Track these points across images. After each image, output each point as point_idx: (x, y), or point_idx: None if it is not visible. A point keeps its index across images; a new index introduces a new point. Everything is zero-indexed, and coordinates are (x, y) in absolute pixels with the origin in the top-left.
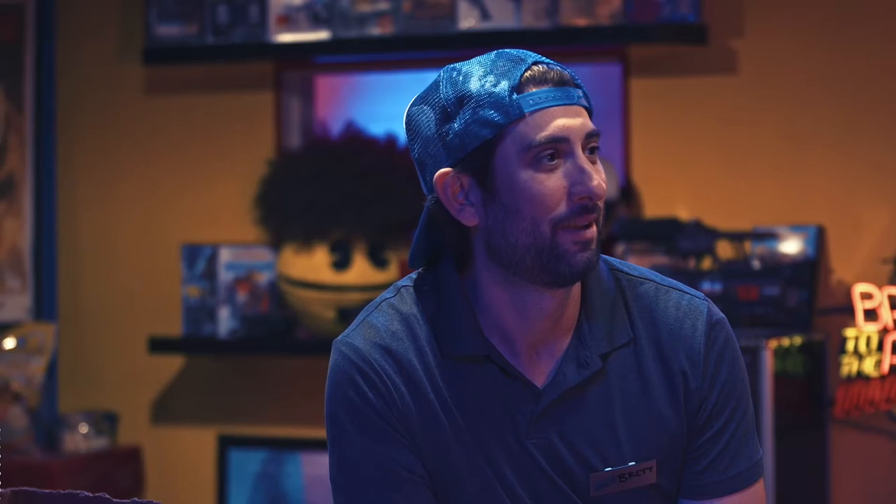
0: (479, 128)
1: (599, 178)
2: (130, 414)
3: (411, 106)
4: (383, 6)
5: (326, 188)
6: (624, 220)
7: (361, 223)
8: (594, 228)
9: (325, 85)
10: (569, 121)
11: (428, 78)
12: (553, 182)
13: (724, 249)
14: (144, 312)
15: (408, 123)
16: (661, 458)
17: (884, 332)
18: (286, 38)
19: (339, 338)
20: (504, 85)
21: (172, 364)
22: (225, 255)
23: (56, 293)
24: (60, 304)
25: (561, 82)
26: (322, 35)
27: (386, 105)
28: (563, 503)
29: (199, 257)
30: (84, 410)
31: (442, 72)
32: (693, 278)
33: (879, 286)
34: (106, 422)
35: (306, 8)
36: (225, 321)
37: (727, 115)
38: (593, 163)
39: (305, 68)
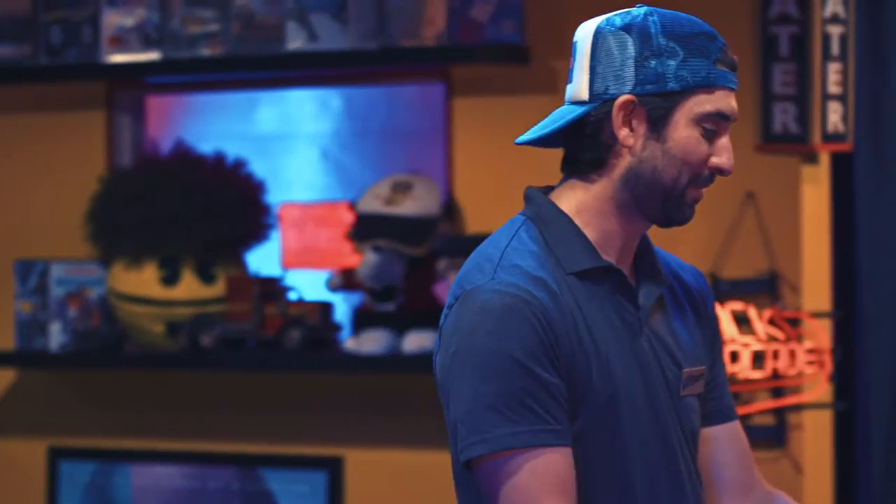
0: (679, 79)
1: (732, 158)
2: None
3: (601, 25)
4: (213, 28)
5: (156, 205)
6: (446, 236)
7: (190, 240)
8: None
9: (156, 104)
10: (734, 104)
11: (257, 98)
12: (706, 148)
13: None
14: None
15: (597, 36)
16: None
17: None
18: (118, 58)
19: (480, 283)
20: (709, 53)
21: (4, 378)
22: (56, 271)
23: None
24: None
25: (734, 69)
26: (153, 56)
27: (215, 124)
28: (666, 406)
29: (31, 273)
30: None
31: (642, 13)
32: None
33: None
34: None
35: (137, 29)
36: (56, 335)
37: None
38: None
39: (136, 88)
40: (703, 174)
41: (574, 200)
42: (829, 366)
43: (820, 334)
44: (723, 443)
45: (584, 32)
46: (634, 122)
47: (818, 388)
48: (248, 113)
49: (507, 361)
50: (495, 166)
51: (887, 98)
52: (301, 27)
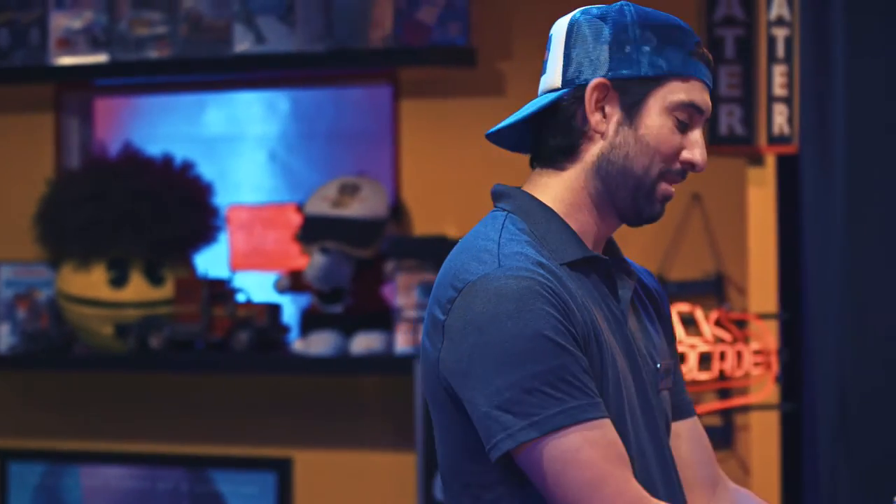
0: (654, 64)
1: (705, 155)
2: None
3: (577, 16)
4: (160, 30)
5: (104, 207)
6: (393, 238)
7: (138, 242)
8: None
9: (104, 107)
10: (708, 99)
11: (206, 99)
12: (678, 140)
13: None
14: None
15: (572, 26)
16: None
17: None
18: (66, 60)
19: (488, 271)
20: (684, 43)
21: None
22: (5, 273)
23: None
24: None
25: (709, 65)
26: (101, 58)
27: (163, 126)
28: (652, 398)
29: None
30: None
31: (618, 5)
32: None
33: None
34: None
35: (85, 31)
36: (5, 337)
37: None
38: None
39: (85, 90)
40: (674, 168)
41: (550, 193)
42: (775, 367)
43: (766, 335)
44: (685, 440)
45: (560, 25)
46: (607, 108)
47: (765, 390)
48: (195, 115)
49: (539, 341)
50: (442, 168)
51: (832, 100)
52: (248, 30)
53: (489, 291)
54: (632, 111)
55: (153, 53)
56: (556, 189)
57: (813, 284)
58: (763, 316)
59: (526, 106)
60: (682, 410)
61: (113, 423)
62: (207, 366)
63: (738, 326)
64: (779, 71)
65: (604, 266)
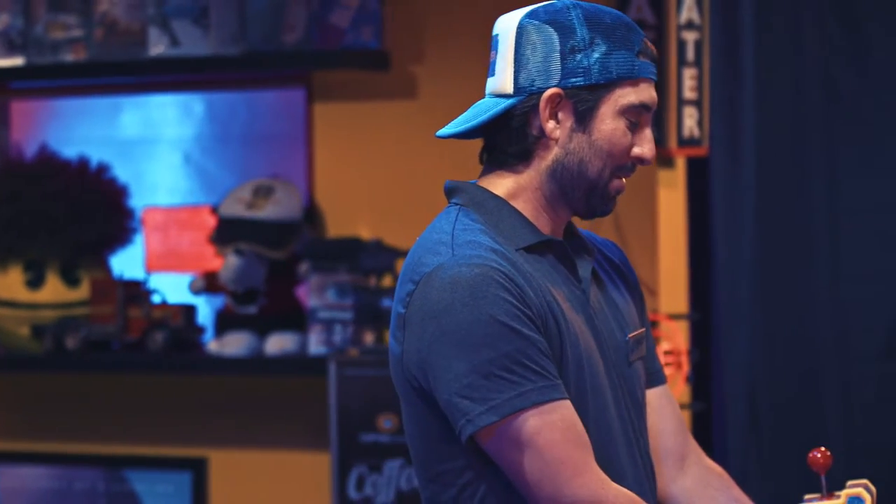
0: (604, 71)
1: (654, 149)
2: None
3: (525, 19)
4: (76, 33)
5: (20, 209)
6: (308, 239)
7: (54, 243)
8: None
9: (20, 109)
10: (655, 95)
11: (121, 102)
12: (629, 139)
13: None
14: None
15: (521, 30)
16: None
17: None
18: None
19: (443, 261)
20: (631, 44)
21: None
22: None
23: None
24: None
25: (654, 60)
26: (17, 61)
27: (79, 129)
28: (617, 375)
29: None
30: None
31: (565, 6)
32: (374, 295)
33: None
34: None
35: (1, 35)
36: None
37: (407, 138)
38: None
39: (1, 93)
40: (625, 165)
41: (503, 188)
42: (686, 367)
43: (677, 336)
44: (659, 408)
45: (506, 26)
46: (561, 115)
47: (675, 389)
48: (111, 118)
49: (494, 327)
50: (356, 170)
51: (741, 103)
52: (163, 33)
53: (444, 280)
54: (584, 117)
55: (69, 56)
56: (510, 186)
57: (723, 285)
58: (673, 316)
59: (477, 108)
60: (654, 377)
61: (29, 423)
62: (123, 366)
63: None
64: (689, 74)
65: (559, 247)
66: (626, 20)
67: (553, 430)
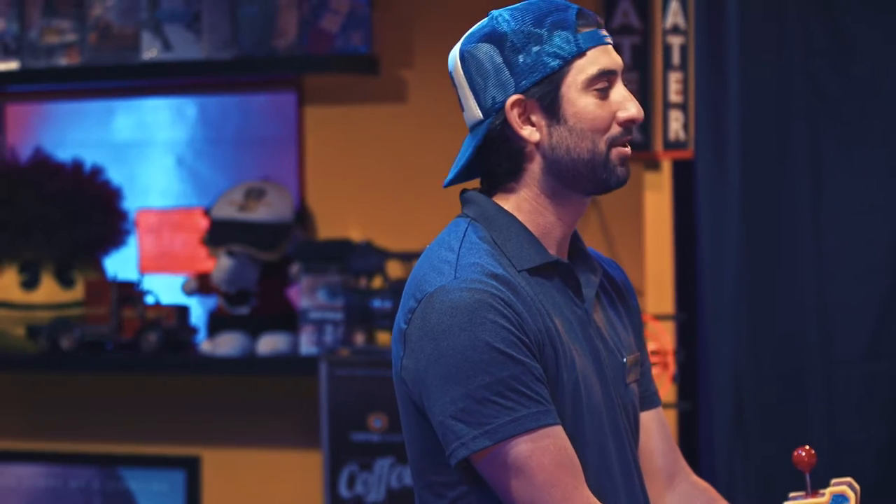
0: (550, 59)
1: (637, 104)
2: None
3: (463, 47)
4: (70, 38)
5: (16, 211)
6: (299, 241)
7: (49, 245)
8: (629, 147)
9: (15, 113)
10: (614, 56)
11: (115, 106)
12: (607, 107)
13: (395, 269)
14: None
15: (463, 59)
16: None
17: None
18: None
19: (445, 283)
20: (565, 24)
21: None
22: None
23: None
24: None
25: (599, 25)
26: (12, 65)
27: (73, 132)
28: (615, 396)
29: None
30: None
31: (491, 18)
32: (364, 296)
33: None
34: None
35: None
36: None
37: (397, 141)
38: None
39: None
40: (617, 133)
41: (511, 202)
42: (672, 367)
43: (663, 336)
44: (651, 430)
45: (451, 60)
46: (534, 118)
47: (662, 389)
48: (105, 121)
49: (489, 353)
50: (346, 173)
51: (726, 106)
52: (156, 37)
53: (444, 303)
54: (553, 109)
55: (63, 61)
56: (515, 199)
57: (708, 286)
58: (660, 317)
59: (463, 149)
60: (649, 400)
61: (25, 422)
62: (117, 366)
63: None
64: (674, 78)
65: (565, 268)
66: (554, 2)
67: (545, 454)
